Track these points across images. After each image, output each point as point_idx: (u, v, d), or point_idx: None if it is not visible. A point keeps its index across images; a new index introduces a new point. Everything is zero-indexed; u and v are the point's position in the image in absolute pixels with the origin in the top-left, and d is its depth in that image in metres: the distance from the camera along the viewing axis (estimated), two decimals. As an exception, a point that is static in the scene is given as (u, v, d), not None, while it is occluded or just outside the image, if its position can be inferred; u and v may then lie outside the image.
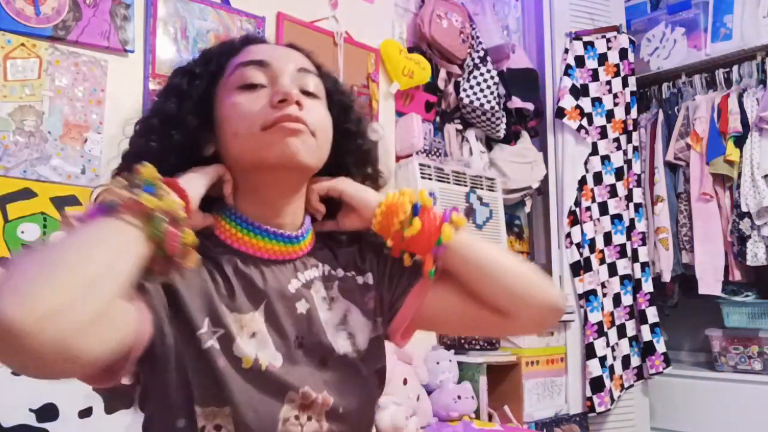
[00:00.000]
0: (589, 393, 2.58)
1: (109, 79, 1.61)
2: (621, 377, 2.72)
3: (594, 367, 2.59)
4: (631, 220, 2.83)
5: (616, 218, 2.80)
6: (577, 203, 2.75)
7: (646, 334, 2.77)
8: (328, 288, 0.84)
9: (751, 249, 2.63)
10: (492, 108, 2.53)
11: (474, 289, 0.83)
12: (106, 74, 1.61)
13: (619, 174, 2.83)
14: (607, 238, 2.79)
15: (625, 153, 2.85)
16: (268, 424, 0.73)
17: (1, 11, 1.45)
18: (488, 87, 2.52)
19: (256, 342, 0.75)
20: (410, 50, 2.39)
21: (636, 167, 2.86)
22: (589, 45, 2.86)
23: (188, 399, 0.70)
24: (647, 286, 2.80)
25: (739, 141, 2.69)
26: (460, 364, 2.20)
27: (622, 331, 2.77)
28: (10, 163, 1.45)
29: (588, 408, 2.58)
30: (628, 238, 2.82)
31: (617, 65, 2.88)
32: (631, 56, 2.91)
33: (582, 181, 2.76)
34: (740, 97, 2.74)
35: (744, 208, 2.64)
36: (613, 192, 2.81)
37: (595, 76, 2.86)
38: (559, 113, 2.75)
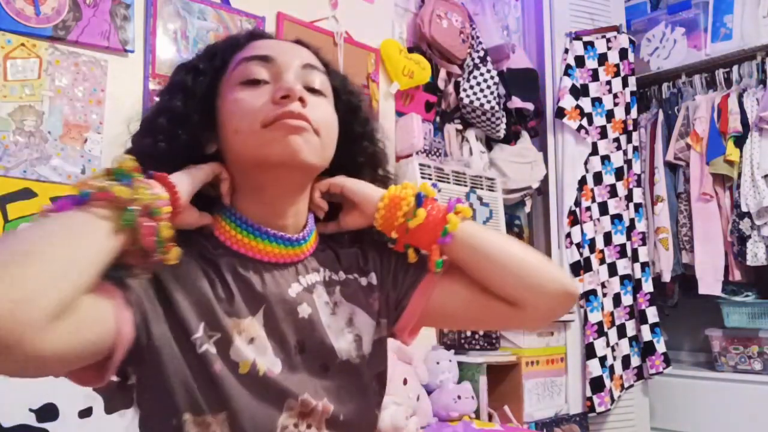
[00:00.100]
0: (589, 393, 2.58)
1: (109, 79, 1.61)
2: (621, 377, 2.72)
3: (594, 367, 2.59)
4: (631, 220, 2.83)
5: (616, 218, 2.80)
6: (577, 203, 2.75)
7: (646, 334, 2.77)
8: (331, 293, 0.82)
9: (751, 249, 2.63)
10: (492, 108, 2.53)
11: (483, 279, 0.80)
12: (106, 74, 1.61)
13: (619, 174, 2.83)
14: (607, 238, 2.79)
15: (625, 153, 2.85)
16: None
17: (1, 11, 1.45)
18: (488, 87, 2.52)
19: (255, 348, 0.72)
20: (410, 50, 2.39)
21: (636, 167, 2.86)
22: (589, 45, 2.86)
23: (182, 403, 0.68)
24: (647, 286, 2.80)
25: (739, 141, 2.69)
26: (460, 364, 2.20)
27: (622, 331, 2.77)
28: (10, 163, 1.45)
29: (588, 408, 2.58)
30: (628, 238, 2.82)
31: (617, 65, 2.88)
32: (631, 56, 2.91)
33: (582, 181, 2.76)
34: (740, 97, 2.74)
35: (744, 208, 2.64)
36: (613, 192, 2.81)
37: (595, 76, 2.86)
38: (559, 113, 2.75)
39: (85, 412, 1.45)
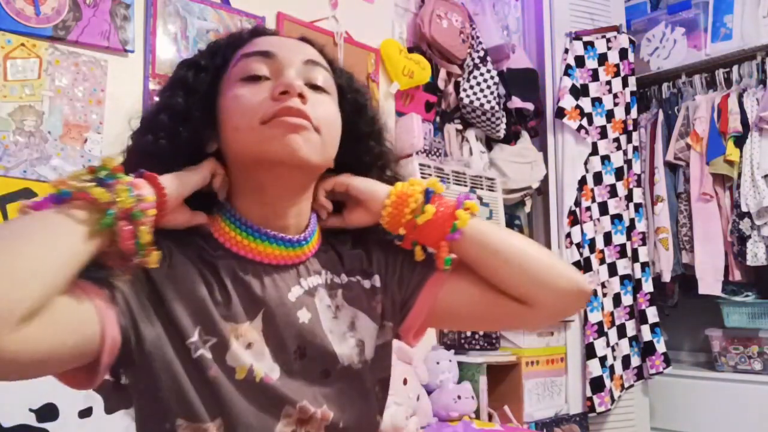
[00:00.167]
0: (589, 393, 2.58)
1: (109, 79, 1.61)
2: (621, 377, 2.72)
3: (594, 367, 2.59)
4: (631, 220, 2.83)
5: (616, 218, 2.80)
6: (577, 203, 2.75)
7: (646, 334, 2.77)
8: (333, 296, 0.79)
9: (751, 249, 2.62)
10: (492, 108, 2.53)
11: (493, 276, 0.78)
12: (106, 74, 1.61)
13: (619, 174, 2.83)
14: (607, 238, 2.79)
15: (625, 153, 2.85)
16: None
17: (1, 11, 1.45)
18: (488, 87, 2.52)
19: (252, 353, 0.70)
20: (410, 50, 2.39)
21: (636, 167, 2.86)
22: (589, 45, 2.86)
23: (175, 408, 0.67)
24: (647, 286, 2.80)
25: (739, 141, 2.69)
26: (460, 364, 2.20)
27: (622, 331, 2.77)
28: (10, 163, 1.45)
29: (588, 408, 2.58)
30: (628, 238, 2.82)
31: (617, 65, 2.88)
32: (631, 56, 2.91)
33: (582, 181, 2.76)
34: (740, 97, 2.74)
35: (744, 208, 2.64)
36: (613, 192, 2.81)
37: (595, 76, 2.86)
38: (559, 113, 2.75)
39: (85, 412, 1.45)
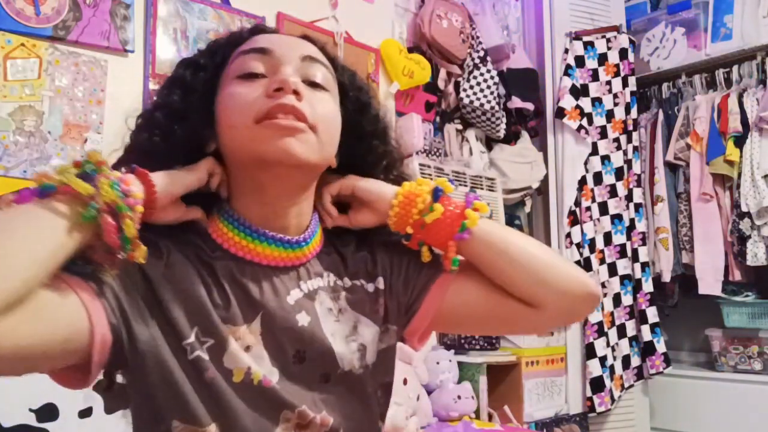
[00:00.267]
0: (589, 393, 2.58)
1: (109, 79, 1.61)
2: (621, 377, 2.72)
3: (594, 367, 2.59)
4: (631, 220, 2.83)
5: (616, 218, 2.80)
6: (577, 203, 2.75)
7: (646, 334, 2.77)
8: (335, 299, 0.77)
9: (751, 249, 2.62)
10: (492, 108, 2.53)
11: (501, 279, 0.77)
12: (106, 74, 1.61)
13: (619, 174, 2.83)
14: (607, 238, 2.79)
15: (625, 153, 2.85)
16: None
17: (1, 11, 1.45)
18: (488, 87, 2.52)
19: (251, 356, 0.69)
20: (410, 50, 2.39)
21: (636, 167, 2.87)
22: (589, 45, 2.86)
23: (170, 410, 0.66)
24: (647, 286, 2.80)
25: (739, 141, 2.69)
26: (460, 364, 2.20)
27: (622, 331, 2.77)
28: (10, 163, 1.45)
29: (588, 408, 2.58)
30: (628, 238, 2.82)
31: (617, 65, 2.88)
32: (631, 56, 2.91)
33: (582, 181, 2.76)
34: (740, 97, 2.74)
35: (744, 208, 2.64)
36: (613, 192, 2.81)
37: (595, 76, 2.86)
38: (559, 113, 2.75)
39: (85, 412, 1.45)
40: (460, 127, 2.63)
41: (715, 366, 2.81)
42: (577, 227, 2.72)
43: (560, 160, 2.78)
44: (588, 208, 2.76)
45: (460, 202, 0.78)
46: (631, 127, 2.87)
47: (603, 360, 2.62)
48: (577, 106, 2.77)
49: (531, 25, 2.99)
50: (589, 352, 2.61)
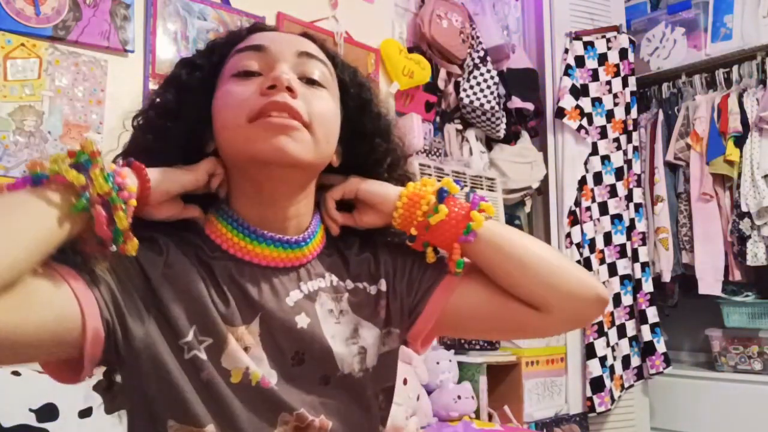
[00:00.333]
0: (589, 393, 2.58)
1: (109, 79, 1.61)
2: (621, 377, 2.72)
3: (594, 367, 2.59)
4: (631, 220, 2.83)
5: (616, 218, 2.80)
6: (577, 203, 2.75)
7: (646, 334, 2.77)
8: (337, 300, 0.76)
9: (751, 249, 2.63)
10: (492, 108, 2.53)
11: (507, 282, 0.75)
12: (106, 74, 1.61)
13: (619, 174, 2.83)
14: (607, 238, 2.79)
15: (625, 153, 2.85)
16: None
17: (1, 11, 1.45)
18: (488, 87, 2.52)
19: (249, 357, 0.68)
20: (410, 50, 2.39)
21: (636, 167, 2.87)
22: (589, 45, 2.86)
23: (166, 410, 0.65)
24: (647, 286, 2.80)
25: (739, 141, 2.69)
26: (460, 364, 2.20)
27: (622, 331, 2.77)
28: (10, 163, 1.45)
29: (588, 408, 2.58)
30: (628, 238, 2.82)
31: (617, 65, 2.88)
32: (631, 56, 2.91)
33: (582, 181, 2.76)
34: (740, 97, 2.74)
35: (744, 208, 2.64)
36: (613, 192, 2.82)
37: (595, 76, 2.86)
38: (559, 113, 2.75)
39: (85, 412, 1.45)
40: (460, 127, 2.63)
41: (715, 366, 2.81)
42: (577, 227, 2.72)
43: (560, 160, 2.78)
44: (588, 208, 2.76)
45: (465, 203, 0.76)
46: (631, 127, 2.87)
47: (603, 360, 2.62)
48: (577, 106, 2.77)
49: (531, 25, 2.99)
50: (589, 352, 2.61)
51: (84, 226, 0.60)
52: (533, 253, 0.76)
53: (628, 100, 2.88)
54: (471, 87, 2.52)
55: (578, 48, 2.84)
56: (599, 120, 2.83)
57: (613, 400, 2.64)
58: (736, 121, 2.69)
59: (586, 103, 2.81)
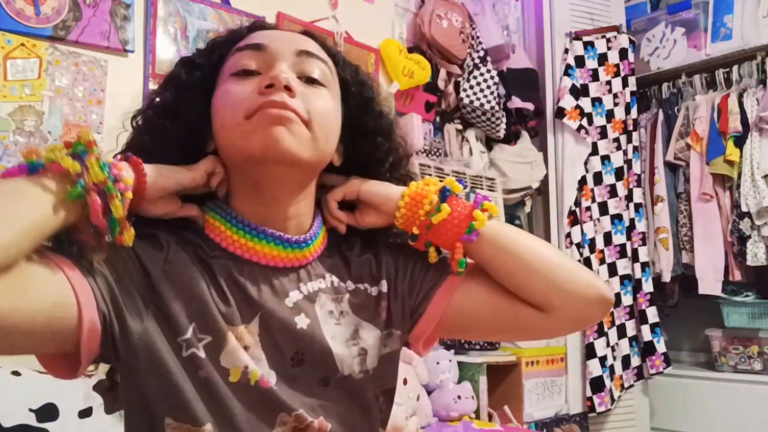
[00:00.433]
0: (589, 393, 2.58)
1: (109, 79, 1.61)
2: (621, 377, 2.72)
3: (594, 367, 2.59)
4: (631, 220, 2.83)
5: (616, 218, 2.80)
6: (577, 203, 2.75)
7: (646, 334, 2.77)
8: (337, 301, 0.75)
9: (751, 249, 2.63)
10: (492, 108, 2.53)
11: (510, 281, 0.75)
12: (106, 74, 1.61)
13: (619, 174, 2.83)
14: (607, 238, 2.79)
15: (625, 153, 2.85)
16: None
17: (1, 11, 1.45)
18: (488, 87, 2.52)
19: (248, 357, 0.67)
20: (410, 50, 2.39)
21: (636, 167, 2.87)
22: (589, 45, 2.86)
23: (163, 408, 0.64)
24: (647, 286, 2.80)
25: (739, 141, 2.69)
26: (460, 364, 2.20)
27: (622, 331, 2.77)
28: (10, 163, 1.45)
29: (588, 408, 2.58)
30: (628, 238, 2.82)
31: (617, 65, 2.88)
32: (631, 56, 2.91)
33: (582, 181, 2.76)
34: (740, 97, 2.74)
35: (744, 208, 2.64)
36: (613, 192, 2.81)
37: (595, 76, 2.86)
38: (559, 113, 2.75)
39: (85, 412, 1.45)
40: (460, 127, 2.63)
41: (715, 366, 2.81)
42: (577, 227, 2.72)
43: (560, 160, 2.78)
44: (588, 208, 2.76)
45: (468, 202, 0.76)
46: (631, 127, 2.87)
47: (603, 360, 2.62)
48: (577, 106, 2.77)
49: (531, 25, 2.99)
50: (589, 352, 2.61)
51: (80, 214, 0.60)
52: (537, 252, 0.75)
53: (628, 100, 2.88)
54: (471, 87, 2.52)
55: (578, 48, 2.84)
56: (599, 120, 2.83)
57: (613, 400, 2.64)
58: (736, 121, 2.69)
59: (586, 103, 2.81)
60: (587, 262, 2.69)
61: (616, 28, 2.91)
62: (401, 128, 0.85)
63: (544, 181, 2.78)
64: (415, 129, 2.30)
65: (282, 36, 0.75)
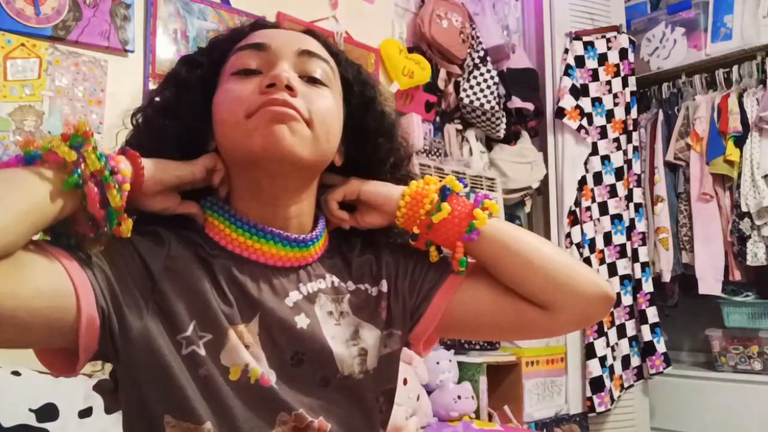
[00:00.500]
0: (589, 393, 2.58)
1: (109, 79, 1.61)
2: (621, 377, 2.72)
3: (594, 367, 2.59)
4: (631, 220, 2.83)
5: (616, 218, 2.80)
6: (577, 203, 2.75)
7: (646, 334, 2.77)
8: (338, 301, 0.75)
9: (751, 249, 2.63)
10: (492, 108, 2.53)
11: (512, 280, 0.74)
12: (106, 74, 1.61)
13: (619, 174, 2.83)
14: (607, 238, 2.79)
15: (625, 153, 2.85)
16: None
17: (1, 11, 1.45)
18: (488, 87, 2.52)
19: (249, 355, 0.67)
20: (410, 50, 2.39)
21: (636, 167, 2.87)
22: (589, 45, 2.86)
23: (162, 406, 0.64)
24: (647, 286, 2.80)
25: (739, 141, 2.69)
26: (460, 364, 2.20)
27: (622, 331, 2.77)
28: (10, 163, 1.45)
29: (588, 408, 2.58)
30: (628, 238, 2.82)
31: (617, 65, 2.88)
32: (631, 56, 2.91)
33: (582, 181, 2.76)
34: (740, 97, 2.74)
35: (744, 208, 2.64)
36: (613, 192, 2.81)
37: (595, 76, 2.86)
38: (559, 113, 2.75)
39: (85, 412, 1.45)
40: (460, 127, 2.63)
41: (715, 366, 2.81)
42: (577, 227, 2.72)
43: (560, 160, 2.78)
44: (588, 208, 2.76)
45: (469, 201, 0.76)
46: (631, 127, 2.87)
47: (603, 360, 2.62)
48: (577, 106, 2.77)
49: (531, 25, 2.99)
50: (589, 352, 2.61)
51: (77, 205, 0.60)
52: (538, 250, 0.74)
53: (628, 100, 2.88)
54: (471, 87, 2.52)
55: (578, 48, 2.84)
56: (599, 120, 2.83)
57: (612, 400, 2.64)
58: (736, 121, 2.69)
59: (586, 103, 2.81)
60: (587, 262, 2.69)
61: (616, 28, 2.91)
62: (403, 128, 0.84)
63: (544, 181, 2.78)
64: (415, 129, 2.30)
65: (284, 35, 0.75)
